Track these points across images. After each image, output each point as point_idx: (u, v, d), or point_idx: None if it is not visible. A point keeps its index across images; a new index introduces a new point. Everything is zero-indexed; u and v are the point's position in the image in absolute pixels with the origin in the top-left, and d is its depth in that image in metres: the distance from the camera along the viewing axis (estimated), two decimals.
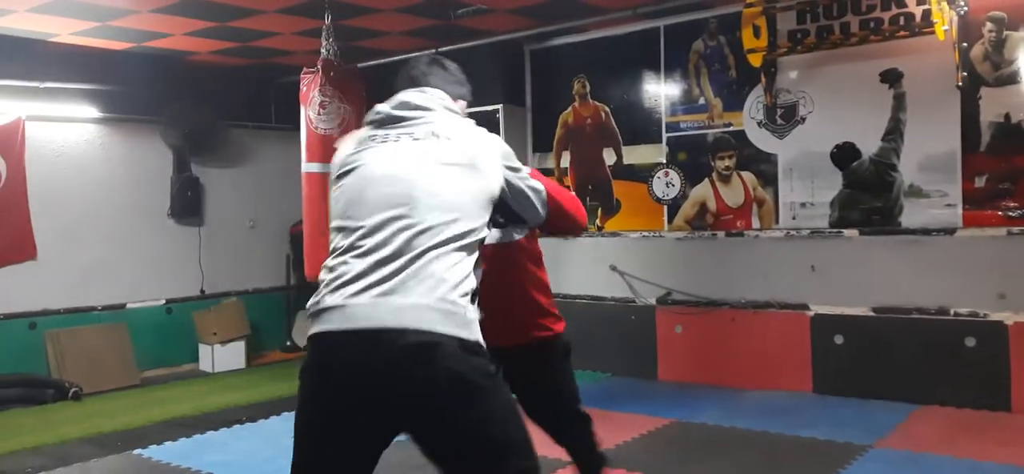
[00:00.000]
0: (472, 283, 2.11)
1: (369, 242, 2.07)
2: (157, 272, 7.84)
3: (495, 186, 2.22)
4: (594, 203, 7.09)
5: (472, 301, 2.10)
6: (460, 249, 2.09)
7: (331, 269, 2.10)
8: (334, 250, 2.15)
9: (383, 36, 6.91)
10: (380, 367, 1.97)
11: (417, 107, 2.27)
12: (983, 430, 4.92)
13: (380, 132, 2.25)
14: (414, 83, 2.36)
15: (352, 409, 2.02)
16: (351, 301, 2.01)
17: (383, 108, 2.29)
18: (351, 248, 2.09)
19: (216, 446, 5.19)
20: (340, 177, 2.23)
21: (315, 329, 2.08)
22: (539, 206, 2.39)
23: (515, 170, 2.32)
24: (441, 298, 2.01)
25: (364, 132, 2.29)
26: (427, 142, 2.18)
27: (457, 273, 2.06)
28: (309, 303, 2.12)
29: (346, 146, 2.29)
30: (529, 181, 2.37)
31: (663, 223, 6.72)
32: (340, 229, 2.16)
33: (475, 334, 2.06)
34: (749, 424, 5.20)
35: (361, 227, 2.10)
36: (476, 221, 2.14)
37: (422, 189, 2.10)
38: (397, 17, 6.36)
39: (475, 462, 2.03)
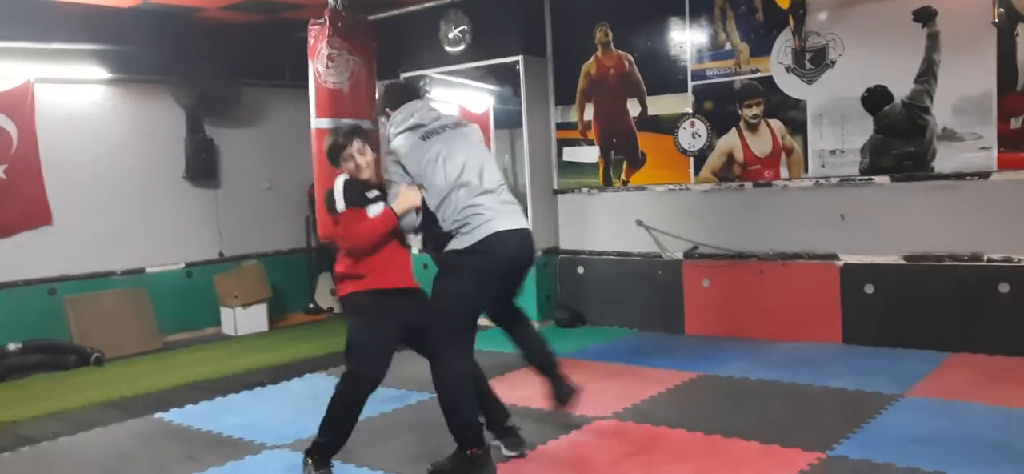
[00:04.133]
0: None
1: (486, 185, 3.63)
2: (175, 236, 7.80)
3: None
4: (619, 156, 6.94)
5: None
6: None
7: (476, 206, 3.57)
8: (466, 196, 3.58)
9: None
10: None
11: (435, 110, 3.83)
12: (1017, 376, 4.82)
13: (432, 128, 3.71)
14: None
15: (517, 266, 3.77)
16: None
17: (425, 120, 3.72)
18: (481, 192, 3.59)
19: (238, 409, 5.16)
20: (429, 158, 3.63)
21: (494, 230, 3.54)
22: None
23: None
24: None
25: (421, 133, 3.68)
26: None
27: None
28: (471, 220, 3.53)
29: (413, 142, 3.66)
30: None
31: (689, 175, 6.56)
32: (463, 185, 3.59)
33: None
34: (777, 376, 5.12)
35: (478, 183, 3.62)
36: None
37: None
38: None
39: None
